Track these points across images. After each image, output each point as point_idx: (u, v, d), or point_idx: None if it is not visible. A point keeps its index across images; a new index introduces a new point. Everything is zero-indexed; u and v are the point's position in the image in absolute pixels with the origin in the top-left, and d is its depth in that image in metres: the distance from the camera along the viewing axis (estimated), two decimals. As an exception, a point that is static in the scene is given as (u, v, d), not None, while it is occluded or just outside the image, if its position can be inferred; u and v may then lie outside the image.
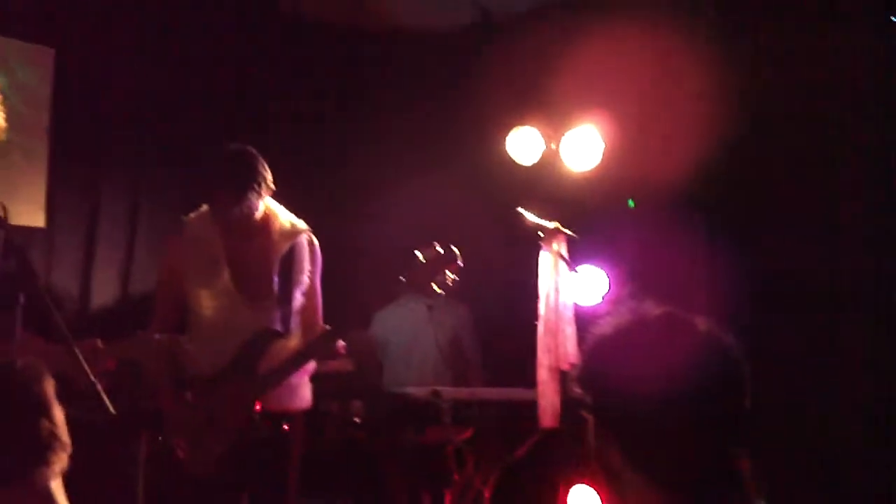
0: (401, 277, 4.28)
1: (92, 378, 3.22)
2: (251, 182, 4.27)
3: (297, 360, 4.29)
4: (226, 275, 4.39)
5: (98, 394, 3.20)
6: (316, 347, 4.34)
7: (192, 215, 4.52)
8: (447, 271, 4.30)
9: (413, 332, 6.08)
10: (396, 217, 6.00)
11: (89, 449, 2.41)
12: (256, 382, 4.23)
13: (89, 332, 3.95)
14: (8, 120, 3.75)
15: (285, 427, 4.26)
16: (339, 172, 6.60)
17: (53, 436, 1.98)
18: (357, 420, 5.64)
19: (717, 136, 4.94)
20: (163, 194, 6.19)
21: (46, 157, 5.78)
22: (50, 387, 2.02)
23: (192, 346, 4.41)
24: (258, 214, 4.36)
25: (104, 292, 6.03)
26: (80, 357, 3.25)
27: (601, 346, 1.94)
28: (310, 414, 4.58)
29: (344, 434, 5.56)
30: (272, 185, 4.35)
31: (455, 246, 4.31)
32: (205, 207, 4.47)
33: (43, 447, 1.97)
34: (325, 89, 6.80)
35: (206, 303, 4.41)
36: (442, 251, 4.28)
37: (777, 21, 5.16)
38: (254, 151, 4.34)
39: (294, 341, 4.37)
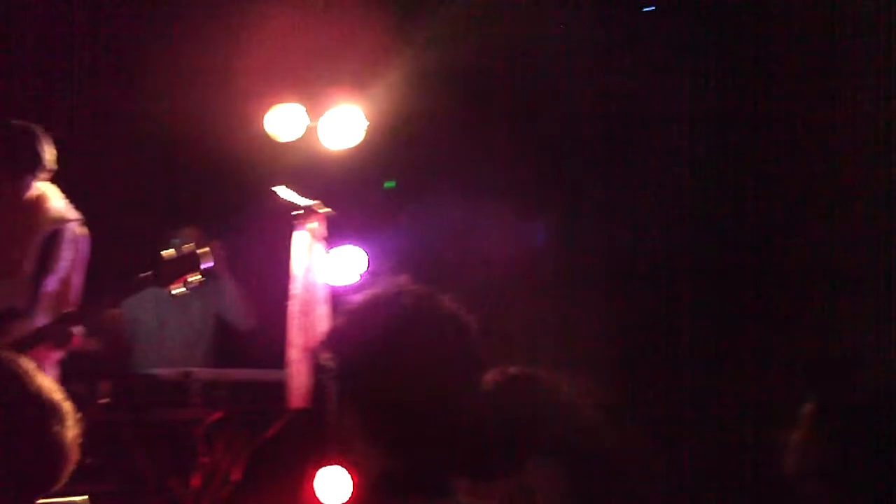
0: (149, 273, 4.23)
1: None
2: (28, 162, 4.28)
3: (29, 341, 4.18)
4: None
5: None
6: (51, 330, 4.26)
7: None
8: (191, 275, 4.24)
9: (165, 313, 5.92)
10: (153, 198, 5.86)
11: None
12: None
13: None
14: None
15: None
16: (95, 152, 6.38)
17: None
18: (104, 401, 5.50)
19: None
20: None
21: None
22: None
23: None
24: (30, 194, 4.34)
25: None
26: None
27: (350, 315, 2.00)
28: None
29: (90, 415, 5.38)
30: (51, 166, 4.33)
31: (210, 225, 4.26)
32: None
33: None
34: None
35: None
36: (188, 254, 4.22)
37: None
38: (35, 130, 4.31)
39: (39, 324, 4.29)
